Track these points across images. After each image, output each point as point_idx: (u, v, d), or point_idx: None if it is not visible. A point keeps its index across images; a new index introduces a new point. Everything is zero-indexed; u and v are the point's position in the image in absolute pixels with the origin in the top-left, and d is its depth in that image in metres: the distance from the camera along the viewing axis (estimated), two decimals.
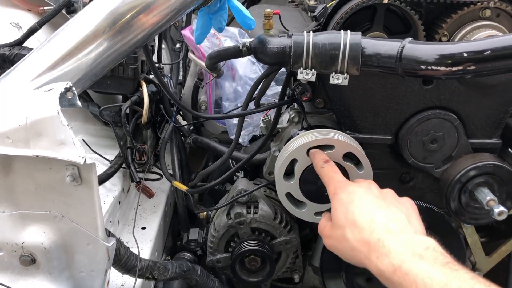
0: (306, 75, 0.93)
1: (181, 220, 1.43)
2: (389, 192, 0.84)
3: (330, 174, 0.90)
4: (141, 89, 1.21)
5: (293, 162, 1.03)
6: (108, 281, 0.90)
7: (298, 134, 1.07)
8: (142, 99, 1.20)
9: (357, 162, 1.03)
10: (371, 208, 0.76)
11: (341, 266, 1.24)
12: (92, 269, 0.84)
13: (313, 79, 0.93)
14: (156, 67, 0.96)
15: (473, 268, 1.36)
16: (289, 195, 1.07)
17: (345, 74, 0.92)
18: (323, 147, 1.01)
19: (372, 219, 0.73)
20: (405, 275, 0.62)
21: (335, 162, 0.99)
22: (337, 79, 0.92)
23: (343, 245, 0.75)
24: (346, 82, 0.92)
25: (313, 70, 0.93)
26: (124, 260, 0.96)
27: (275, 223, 1.22)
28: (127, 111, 1.23)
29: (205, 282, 1.16)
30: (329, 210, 1.02)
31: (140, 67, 1.22)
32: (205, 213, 1.36)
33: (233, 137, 1.51)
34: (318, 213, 1.06)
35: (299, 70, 0.93)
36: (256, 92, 1.11)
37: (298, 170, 1.02)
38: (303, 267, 1.36)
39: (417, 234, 0.72)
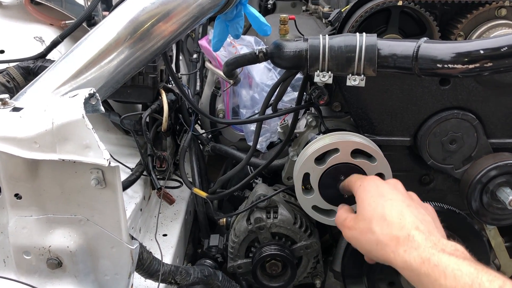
0: (323, 77, 0.94)
1: (201, 227, 1.44)
2: (413, 194, 0.84)
3: (351, 178, 0.92)
4: (160, 97, 1.23)
5: (328, 153, 1.02)
6: (132, 285, 0.91)
7: (315, 138, 1.07)
8: (162, 108, 1.23)
9: (369, 156, 1.03)
10: (401, 205, 0.76)
11: (362, 271, 1.23)
12: (116, 272, 0.85)
13: (330, 81, 0.94)
14: (176, 76, 0.98)
15: (498, 271, 1.34)
16: (315, 208, 1.08)
17: (362, 76, 0.92)
18: (363, 155, 1.01)
19: (403, 215, 0.73)
20: (434, 266, 0.62)
21: (345, 163, 1.00)
22: (354, 80, 0.93)
23: (367, 237, 0.75)
24: (363, 84, 0.93)
25: (329, 72, 0.94)
26: (147, 265, 0.97)
27: (295, 227, 1.22)
28: (147, 119, 1.25)
29: None
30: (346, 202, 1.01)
31: (159, 76, 1.24)
32: (224, 219, 1.36)
33: (251, 143, 1.52)
34: (315, 208, 1.07)
35: (315, 73, 0.94)
36: (273, 98, 1.12)
37: (333, 160, 1.01)
38: (324, 273, 1.36)
39: (441, 232, 0.73)
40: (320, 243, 1.34)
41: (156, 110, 1.23)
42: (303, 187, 1.06)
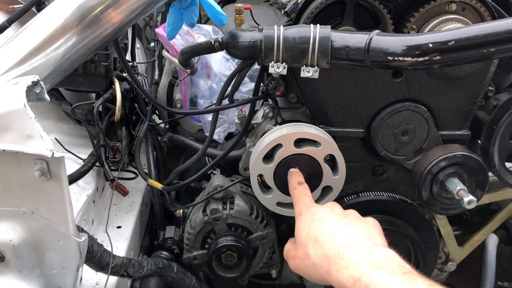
0: (277, 68, 0.94)
1: (157, 218, 1.42)
2: (352, 211, 0.84)
3: (299, 196, 0.91)
4: (113, 86, 1.20)
5: (275, 148, 1.03)
6: (81, 278, 0.88)
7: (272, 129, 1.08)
8: (115, 97, 1.19)
9: (333, 167, 1.05)
10: (332, 224, 0.77)
11: None
12: (63, 265, 0.83)
13: (284, 72, 0.94)
14: (128, 63, 0.96)
15: (447, 258, 1.38)
16: (280, 204, 1.08)
17: (316, 67, 0.93)
18: (308, 143, 1.02)
19: (333, 234, 0.74)
20: (365, 286, 0.62)
21: (314, 159, 1.01)
22: (308, 72, 0.93)
23: (306, 262, 0.75)
24: (316, 75, 0.93)
25: (284, 63, 0.94)
26: (97, 257, 0.95)
27: (251, 218, 1.22)
28: (100, 108, 1.22)
29: (181, 279, 1.16)
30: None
31: (112, 64, 1.21)
32: (181, 211, 1.35)
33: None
34: (280, 204, 1.07)
35: (270, 64, 0.94)
36: (229, 89, 1.11)
37: (280, 156, 1.01)
38: (280, 263, 1.37)
39: (377, 246, 0.72)
40: (277, 233, 1.35)
41: (109, 99, 1.19)
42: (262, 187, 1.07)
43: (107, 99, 1.18)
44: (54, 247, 0.80)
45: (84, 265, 0.95)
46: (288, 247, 0.85)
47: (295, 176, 0.98)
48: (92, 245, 0.94)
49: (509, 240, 1.55)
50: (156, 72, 1.83)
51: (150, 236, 1.50)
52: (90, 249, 0.93)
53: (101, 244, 0.98)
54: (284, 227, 1.42)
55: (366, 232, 0.75)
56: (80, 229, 0.88)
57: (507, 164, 1.11)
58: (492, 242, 1.51)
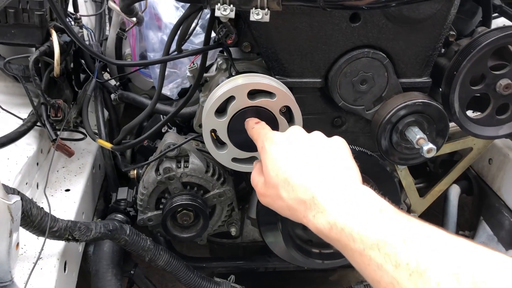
0: (224, 11, 0.87)
1: (109, 180, 1.35)
2: (317, 135, 0.79)
3: (258, 131, 0.86)
4: (51, 38, 1.10)
5: (228, 101, 0.96)
6: (18, 244, 0.82)
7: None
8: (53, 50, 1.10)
9: (290, 119, 0.99)
10: (300, 160, 0.72)
11: (276, 217, 1.21)
12: None
13: (232, 15, 0.87)
14: (60, 10, 0.86)
15: (408, 210, 1.37)
16: (236, 160, 1.02)
17: (266, 10, 0.86)
18: (263, 94, 0.95)
19: (304, 175, 0.69)
20: (341, 230, 0.59)
21: (270, 112, 0.95)
22: (257, 14, 0.86)
23: (279, 204, 0.72)
24: (267, 18, 0.86)
25: (231, 5, 0.86)
26: (37, 222, 0.88)
27: (207, 176, 1.17)
28: (39, 64, 1.12)
29: (135, 241, 1.10)
30: (256, 158, 0.97)
31: (49, 14, 1.10)
32: (135, 172, 1.29)
33: (165, 93, 1.43)
34: (235, 160, 1.01)
35: (216, 6, 0.86)
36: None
37: (233, 109, 0.95)
38: (240, 220, 1.34)
39: (350, 177, 0.68)
40: (237, 190, 1.30)
41: (46, 53, 1.09)
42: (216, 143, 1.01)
43: (43, 52, 1.08)
44: None
45: (24, 230, 0.89)
46: (256, 179, 0.79)
47: (252, 120, 0.92)
48: (30, 209, 0.87)
49: (470, 190, 1.56)
50: (108, 28, 1.72)
51: (105, 200, 1.43)
52: (28, 212, 0.87)
53: (42, 208, 0.91)
54: (244, 184, 1.38)
55: (336, 160, 0.71)
56: (12, 191, 0.80)
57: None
58: (454, 192, 1.52)
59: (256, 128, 0.88)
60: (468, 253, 0.48)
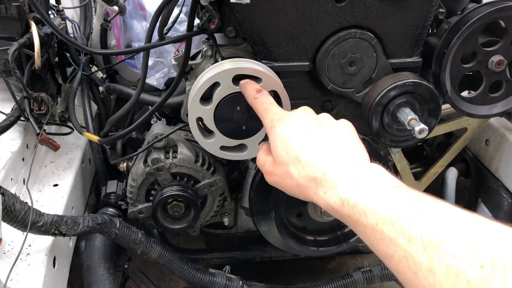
0: None
1: (98, 173, 1.33)
2: (326, 117, 0.78)
3: (264, 106, 0.82)
4: (30, 30, 1.07)
5: (214, 87, 0.94)
6: (0, 239, 0.80)
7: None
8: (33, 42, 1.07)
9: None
10: (311, 140, 0.72)
11: (269, 206, 1.19)
12: None
13: None
14: (36, 2, 0.83)
15: None
16: (224, 148, 0.99)
17: None
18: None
19: (315, 152, 0.69)
20: (353, 206, 0.59)
21: (232, 94, 0.92)
22: None
23: (288, 182, 0.71)
24: (247, 0, 0.84)
25: None
26: (21, 216, 0.87)
27: (197, 166, 1.15)
28: (21, 57, 1.09)
29: (126, 235, 1.08)
30: (265, 140, 0.95)
31: (27, 5, 1.07)
32: (125, 164, 1.27)
33: (151, 83, 1.41)
34: (224, 148, 0.99)
35: None
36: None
37: (218, 96, 0.92)
38: (234, 210, 1.32)
39: (360, 156, 0.69)
40: (229, 180, 1.28)
41: (26, 45, 1.07)
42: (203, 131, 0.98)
43: (23, 45, 1.05)
44: None
45: (7, 225, 0.87)
46: (263, 158, 0.78)
47: (250, 85, 0.88)
48: (13, 204, 0.85)
49: (468, 172, 1.54)
50: (94, 20, 1.69)
51: (96, 194, 1.41)
52: (11, 208, 0.85)
53: (26, 203, 0.89)
54: (237, 174, 1.36)
55: (346, 140, 0.72)
56: None
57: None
58: (451, 175, 1.50)
59: (261, 101, 0.84)
60: (484, 227, 0.47)
